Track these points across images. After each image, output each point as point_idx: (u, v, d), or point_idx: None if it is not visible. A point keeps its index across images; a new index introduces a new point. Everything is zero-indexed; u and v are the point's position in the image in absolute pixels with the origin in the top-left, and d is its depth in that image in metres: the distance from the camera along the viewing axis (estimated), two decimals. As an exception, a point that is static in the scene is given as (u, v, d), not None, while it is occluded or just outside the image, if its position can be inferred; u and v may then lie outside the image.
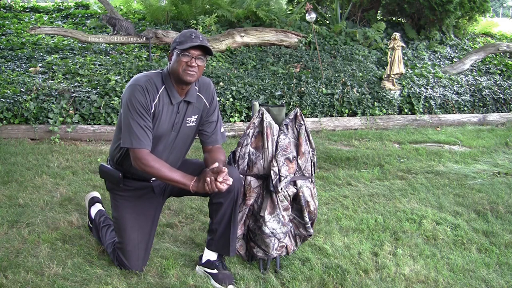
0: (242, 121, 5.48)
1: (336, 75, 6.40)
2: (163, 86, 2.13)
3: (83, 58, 6.23)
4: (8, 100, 4.82)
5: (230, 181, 2.02)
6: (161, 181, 2.23)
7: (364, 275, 2.34)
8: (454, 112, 6.58)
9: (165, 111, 2.13)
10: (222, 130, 2.36)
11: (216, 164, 2.07)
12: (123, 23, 6.70)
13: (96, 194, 2.90)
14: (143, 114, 2.06)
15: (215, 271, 2.24)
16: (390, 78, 6.33)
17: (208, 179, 2.00)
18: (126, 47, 6.90)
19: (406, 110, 6.31)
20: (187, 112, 2.20)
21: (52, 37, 7.20)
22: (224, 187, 2.01)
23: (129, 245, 2.27)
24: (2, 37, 7.14)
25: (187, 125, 2.22)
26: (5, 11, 8.93)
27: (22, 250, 2.48)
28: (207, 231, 2.34)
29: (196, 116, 2.24)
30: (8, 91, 4.94)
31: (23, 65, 5.98)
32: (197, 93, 2.23)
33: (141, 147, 2.06)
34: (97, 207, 2.75)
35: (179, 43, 2.06)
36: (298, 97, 5.82)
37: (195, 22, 7.51)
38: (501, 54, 8.17)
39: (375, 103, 6.09)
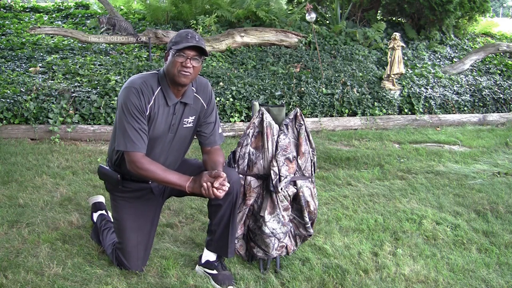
0: (242, 121, 5.48)
1: (336, 75, 6.40)
2: (159, 88, 2.11)
3: (83, 58, 6.23)
4: (8, 100, 4.82)
5: (226, 186, 2.01)
6: (157, 183, 2.23)
7: (364, 275, 2.34)
8: (454, 112, 6.58)
9: (161, 112, 2.12)
10: (220, 130, 2.35)
11: (215, 172, 2.05)
12: (122, 24, 6.70)
13: (101, 199, 2.89)
14: (138, 116, 2.04)
15: (214, 271, 2.24)
16: (390, 78, 6.33)
17: (205, 184, 1.99)
18: (126, 47, 6.90)
19: (406, 110, 6.31)
20: (184, 113, 2.19)
21: (52, 37, 7.20)
22: (221, 193, 2.00)
23: (128, 245, 2.27)
24: (2, 37, 7.14)
25: (184, 126, 2.21)
26: (5, 11, 8.93)
27: (22, 250, 2.48)
28: (207, 232, 2.34)
29: (193, 117, 2.23)
30: (8, 91, 4.94)
31: (23, 65, 5.98)
32: (194, 94, 2.21)
33: (136, 150, 2.05)
34: (100, 212, 2.76)
35: (175, 43, 2.04)
36: (298, 97, 5.82)
37: (195, 22, 7.51)
38: (501, 54, 8.17)
39: (375, 103, 6.09)
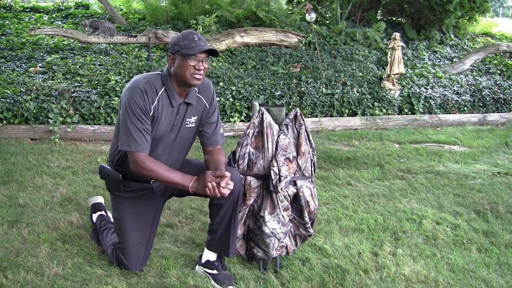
0: (242, 121, 5.48)
1: (336, 75, 6.40)
2: (163, 88, 2.11)
3: (83, 58, 6.23)
4: (8, 100, 4.82)
5: (231, 185, 2.03)
6: (160, 183, 2.23)
7: (364, 275, 2.34)
8: (454, 112, 6.58)
9: (164, 113, 2.12)
10: (221, 131, 2.36)
11: (219, 172, 2.06)
12: (105, 25, 6.70)
13: (100, 200, 2.89)
14: (142, 117, 2.05)
15: (214, 271, 2.24)
16: (390, 78, 6.33)
17: (209, 184, 2.00)
18: (126, 47, 6.90)
19: (406, 110, 6.31)
20: (187, 113, 2.20)
21: (52, 37, 7.21)
22: (226, 192, 2.02)
23: (129, 245, 2.27)
24: (2, 37, 7.15)
25: (187, 126, 2.22)
26: (5, 11, 8.93)
27: (22, 250, 2.48)
28: (207, 231, 2.34)
29: (195, 117, 2.24)
30: (8, 91, 4.94)
31: (23, 65, 5.99)
32: (197, 94, 2.22)
33: (139, 150, 2.05)
34: (99, 213, 2.76)
35: (184, 47, 2.04)
36: (298, 97, 5.82)
37: (195, 22, 7.51)
38: (501, 54, 8.17)
39: (375, 103, 6.09)
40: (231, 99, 5.48)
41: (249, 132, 2.35)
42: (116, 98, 5.09)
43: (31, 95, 4.94)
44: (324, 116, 5.87)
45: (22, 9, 9.31)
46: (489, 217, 3.09)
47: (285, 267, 2.38)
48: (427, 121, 6.15)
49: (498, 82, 7.21)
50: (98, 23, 6.76)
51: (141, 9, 9.03)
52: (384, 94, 6.20)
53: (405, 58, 7.35)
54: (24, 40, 6.95)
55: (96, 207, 2.81)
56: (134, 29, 7.72)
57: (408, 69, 7.00)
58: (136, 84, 2.07)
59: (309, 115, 5.80)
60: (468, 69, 7.44)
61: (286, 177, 2.27)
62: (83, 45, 6.80)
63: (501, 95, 6.97)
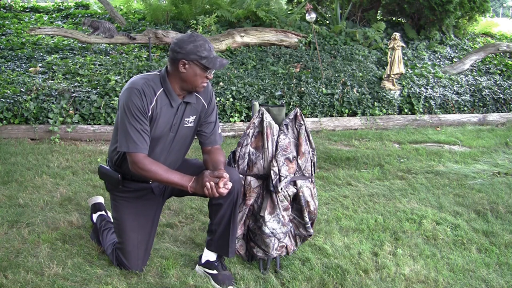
0: (242, 121, 5.48)
1: (336, 75, 6.40)
2: (161, 89, 2.11)
3: (83, 58, 6.23)
4: (8, 100, 4.82)
5: (229, 185, 2.04)
6: (159, 183, 2.23)
7: (364, 275, 2.34)
8: (454, 112, 6.58)
9: (163, 113, 2.12)
10: (220, 131, 2.36)
11: (217, 172, 2.07)
12: (106, 25, 6.69)
13: (100, 200, 2.89)
14: (140, 117, 2.05)
15: (214, 271, 2.24)
16: (390, 78, 6.33)
17: (208, 184, 2.01)
18: (126, 47, 6.90)
19: (406, 110, 6.31)
20: (185, 113, 2.20)
21: (52, 37, 7.20)
22: (224, 191, 2.02)
23: (129, 245, 2.27)
24: (2, 37, 7.14)
25: (185, 125, 2.22)
26: (5, 11, 8.93)
27: (22, 250, 2.48)
28: (207, 231, 2.34)
29: (194, 117, 2.24)
30: (8, 91, 4.94)
31: (23, 65, 5.98)
32: (195, 94, 2.23)
33: (138, 151, 2.05)
34: (99, 213, 2.76)
35: (205, 59, 2.03)
36: (298, 97, 5.82)
37: (195, 22, 7.51)
38: (501, 54, 8.17)
39: (375, 103, 6.10)
40: (231, 99, 5.48)
41: (249, 132, 2.35)
42: (116, 98, 5.09)
43: (31, 95, 4.94)
44: (324, 116, 5.87)
45: (22, 9, 9.30)
46: (489, 217, 3.09)
47: (285, 267, 2.38)
48: (427, 121, 6.15)
49: (498, 82, 7.20)
50: (98, 23, 6.75)
51: (141, 9, 9.02)
52: (384, 94, 6.20)
53: (405, 58, 7.35)
54: (24, 40, 6.95)
55: (96, 207, 2.81)
56: (134, 29, 7.72)
57: (408, 69, 7.00)
58: (133, 84, 2.07)
59: (309, 115, 5.80)
60: (468, 69, 7.44)
61: (286, 177, 2.27)
62: (83, 45, 6.80)
63: (501, 95, 6.97)
